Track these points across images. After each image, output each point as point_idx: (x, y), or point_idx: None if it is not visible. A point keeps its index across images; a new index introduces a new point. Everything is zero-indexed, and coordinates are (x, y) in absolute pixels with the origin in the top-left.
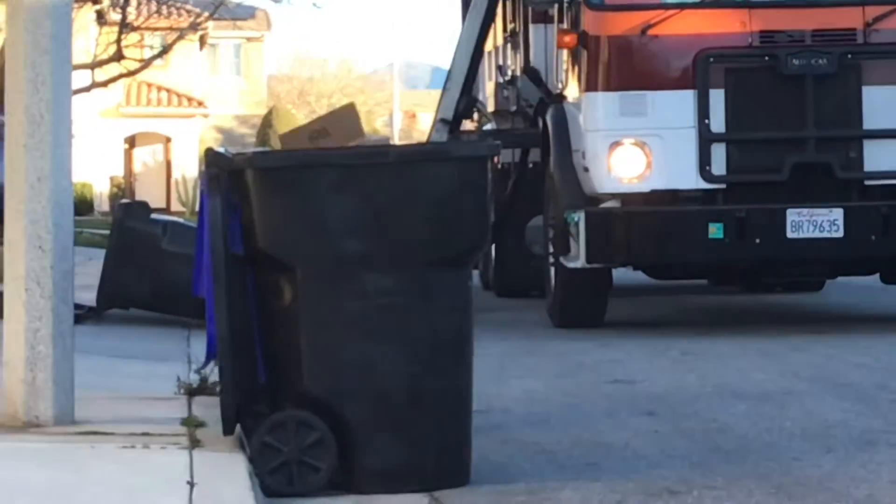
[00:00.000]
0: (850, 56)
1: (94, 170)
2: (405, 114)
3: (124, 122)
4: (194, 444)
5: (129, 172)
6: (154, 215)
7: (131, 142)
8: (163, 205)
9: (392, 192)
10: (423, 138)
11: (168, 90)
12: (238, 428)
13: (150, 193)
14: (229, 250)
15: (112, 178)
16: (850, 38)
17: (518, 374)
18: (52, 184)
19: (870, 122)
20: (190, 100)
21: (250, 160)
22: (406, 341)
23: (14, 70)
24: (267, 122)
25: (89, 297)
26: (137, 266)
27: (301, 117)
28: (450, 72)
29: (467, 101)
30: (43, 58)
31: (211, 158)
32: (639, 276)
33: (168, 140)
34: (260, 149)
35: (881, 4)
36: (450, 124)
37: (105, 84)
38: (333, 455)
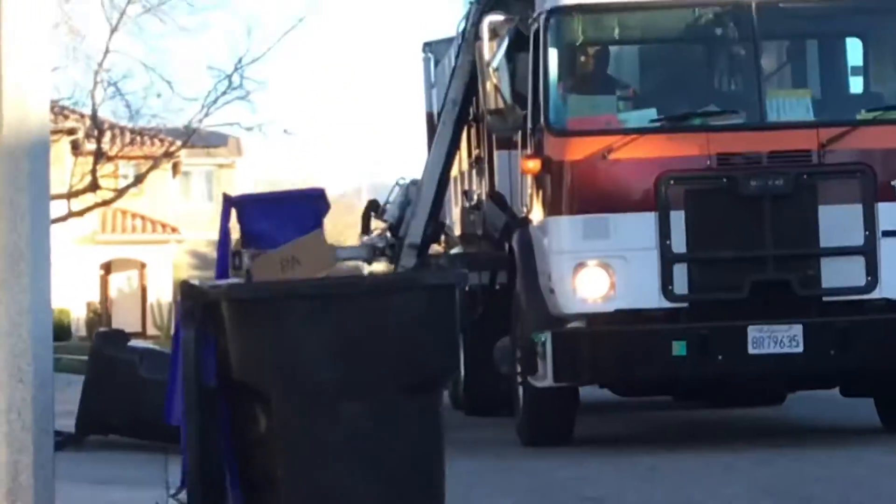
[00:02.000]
0: (805, 176)
1: (71, 296)
2: None
3: (100, 249)
4: None
5: (105, 298)
6: (131, 342)
7: (107, 268)
8: (138, 329)
9: (364, 320)
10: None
11: (142, 217)
12: None
13: (125, 318)
14: (202, 382)
15: (89, 304)
16: (805, 160)
17: (488, 493)
18: (31, 318)
19: (826, 240)
20: (164, 226)
21: (225, 292)
22: (380, 466)
23: None
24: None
25: (68, 424)
26: (115, 393)
27: None
28: (417, 197)
29: (435, 225)
30: (21, 195)
31: (186, 291)
32: (605, 393)
33: (143, 266)
34: (233, 280)
35: (834, 126)
36: (418, 248)
37: (81, 214)
38: None
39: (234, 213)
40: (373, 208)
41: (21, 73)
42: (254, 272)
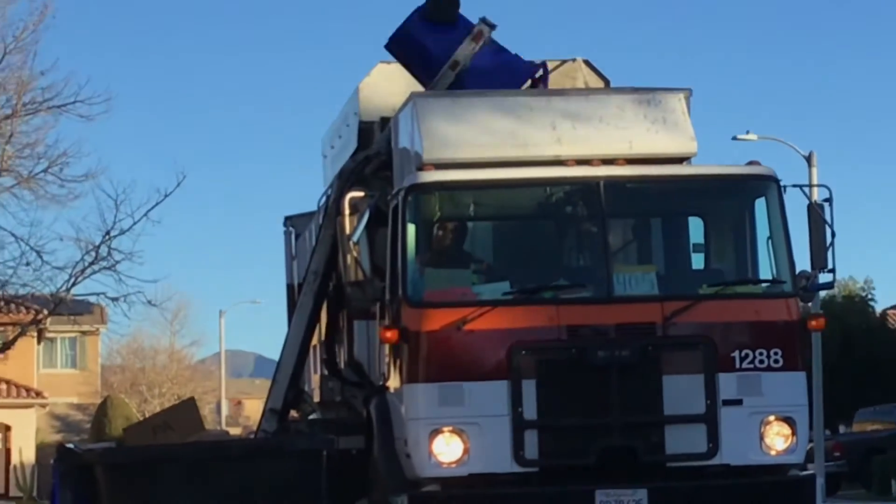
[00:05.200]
0: (650, 348)
1: None
2: (231, 401)
3: None
4: None
5: None
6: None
7: None
8: (1, 490)
9: (235, 483)
10: (250, 424)
11: (6, 381)
12: None
13: None
14: None
15: None
16: (650, 332)
17: None
18: None
19: (670, 408)
20: (28, 390)
21: (99, 456)
22: None
23: None
24: (102, 411)
25: None
26: None
27: (134, 406)
28: (278, 364)
29: (295, 392)
30: None
31: (61, 454)
32: None
33: (8, 428)
34: (106, 444)
35: (677, 300)
36: (279, 414)
37: None
38: None
39: None
40: None
41: None
42: (127, 438)
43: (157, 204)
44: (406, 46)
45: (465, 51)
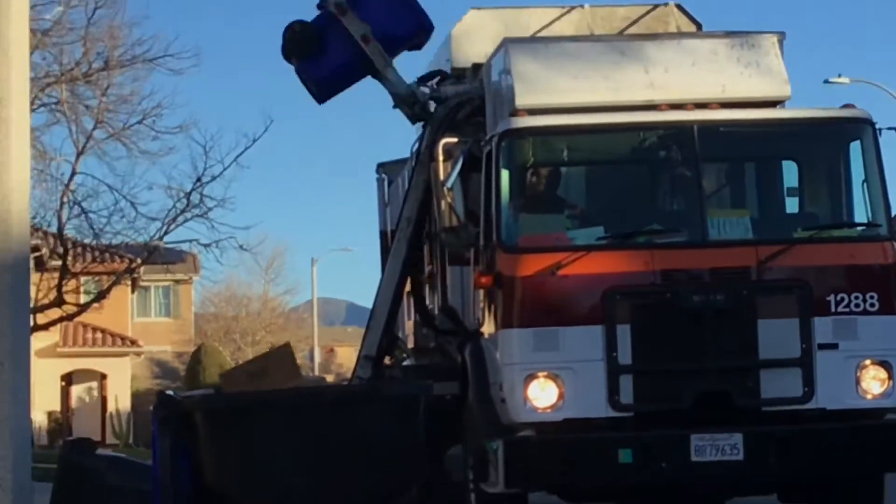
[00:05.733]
0: (745, 292)
1: (33, 405)
2: (323, 349)
3: (61, 362)
4: None
5: (66, 408)
6: (99, 451)
7: (68, 379)
8: (98, 437)
9: (332, 430)
10: (342, 372)
11: (102, 330)
12: None
13: (86, 427)
14: (177, 488)
15: (50, 414)
16: (744, 276)
17: None
18: (11, 426)
19: (765, 352)
20: (123, 339)
21: (198, 402)
22: None
23: None
24: (196, 359)
25: None
26: (83, 500)
27: (228, 354)
28: (372, 311)
29: (389, 338)
30: (2, 309)
31: (160, 400)
32: (555, 499)
33: (104, 377)
34: (204, 391)
35: (772, 245)
36: (373, 360)
37: (46, 327)
38: None
39: None
40: None
41: (3, 193)
42: (224, 384)
43: (246, 149)
44: (332, 85)
45: (353, 24)
